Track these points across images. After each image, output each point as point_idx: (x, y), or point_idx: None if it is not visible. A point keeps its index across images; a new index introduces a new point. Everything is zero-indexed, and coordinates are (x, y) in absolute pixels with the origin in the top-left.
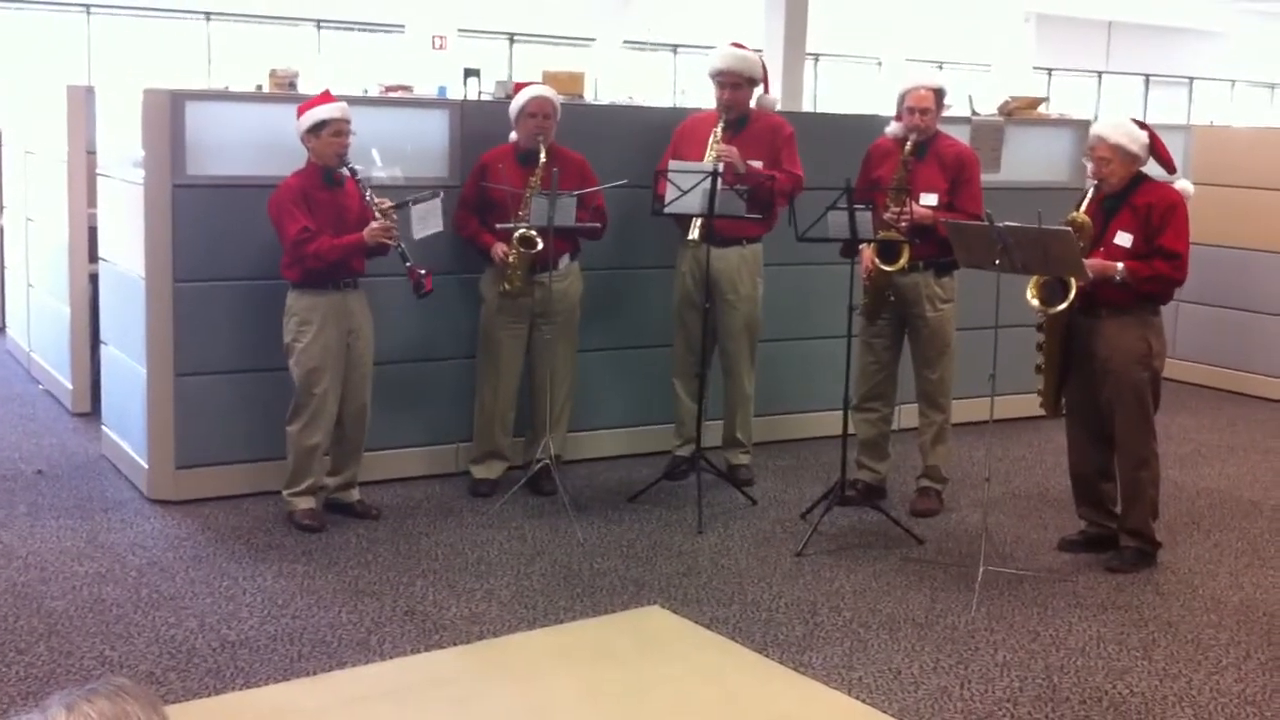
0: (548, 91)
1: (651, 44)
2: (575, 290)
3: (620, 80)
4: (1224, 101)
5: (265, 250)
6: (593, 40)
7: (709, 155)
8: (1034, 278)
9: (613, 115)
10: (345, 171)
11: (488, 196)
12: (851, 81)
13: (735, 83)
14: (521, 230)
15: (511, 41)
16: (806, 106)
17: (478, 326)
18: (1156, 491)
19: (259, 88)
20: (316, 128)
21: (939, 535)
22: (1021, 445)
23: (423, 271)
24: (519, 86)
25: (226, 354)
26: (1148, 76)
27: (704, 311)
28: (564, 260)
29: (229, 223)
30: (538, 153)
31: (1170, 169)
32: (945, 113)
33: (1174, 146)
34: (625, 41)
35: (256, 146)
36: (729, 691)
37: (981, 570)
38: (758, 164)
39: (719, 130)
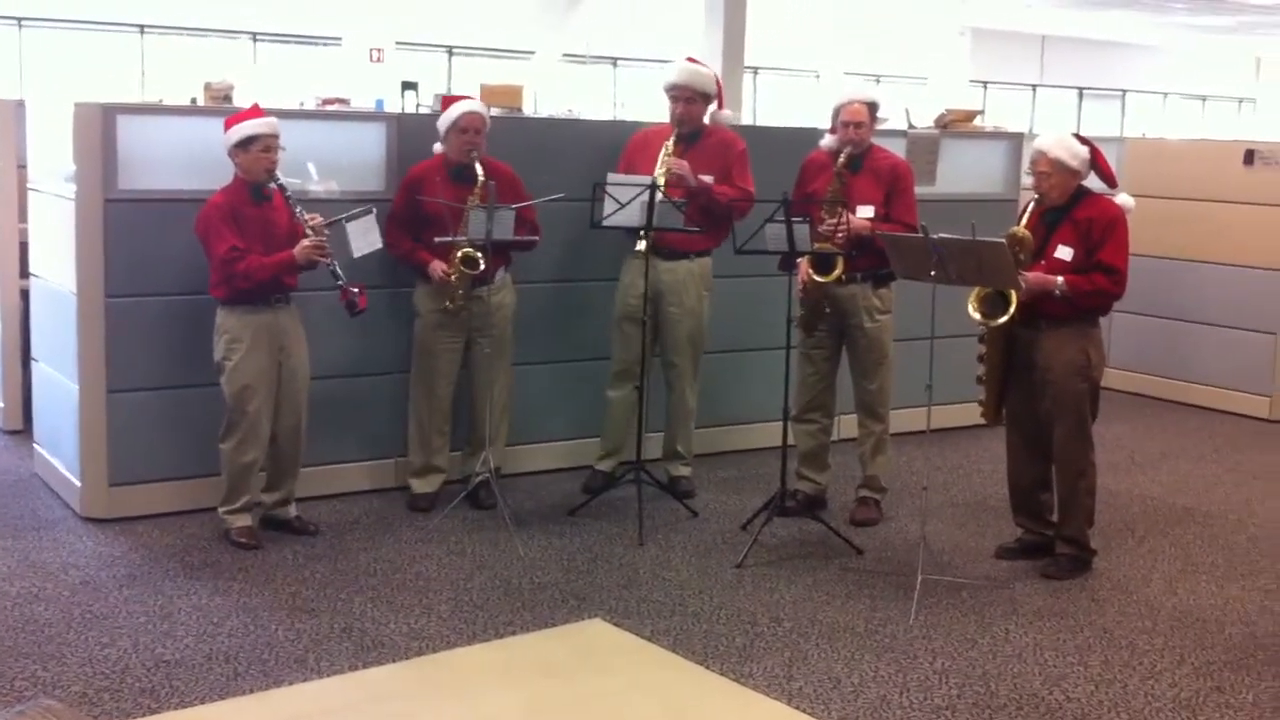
0: (479, 105)
1: (591, 57)
2: (511, 302)
3: (560, 93)
4: (1156, 114)
5: (199, 265)
6: (532, 53)
7: (659, 168)
8: (975, 290)
9: (552, 128)
10: (273, 186)
11: (421, 212)
12: (790, 94)
13: (689, 97)
14: (465, 250)
15: (450, 54)
16: (746, 119)
17: (411, 341)
18: (1093, 500)
19: (194, 101)
20: (245, 143)
21: (878, 545)
22: (959, 454)
23: (355, 290)
24: (448, 100)
25: (160, 370)
26: (1081, 89)
27: (643, 325)
28: (499, 273)
29: (162, 237)
30: (470, 167)
31: (1111, 183)
32: (882, 126)
33: (1107, 158)
34: (565, 54)
35: (191, 160)
36: (670, 704)
37: (920, 579)
38: (708, 178)
39: (670, 144)
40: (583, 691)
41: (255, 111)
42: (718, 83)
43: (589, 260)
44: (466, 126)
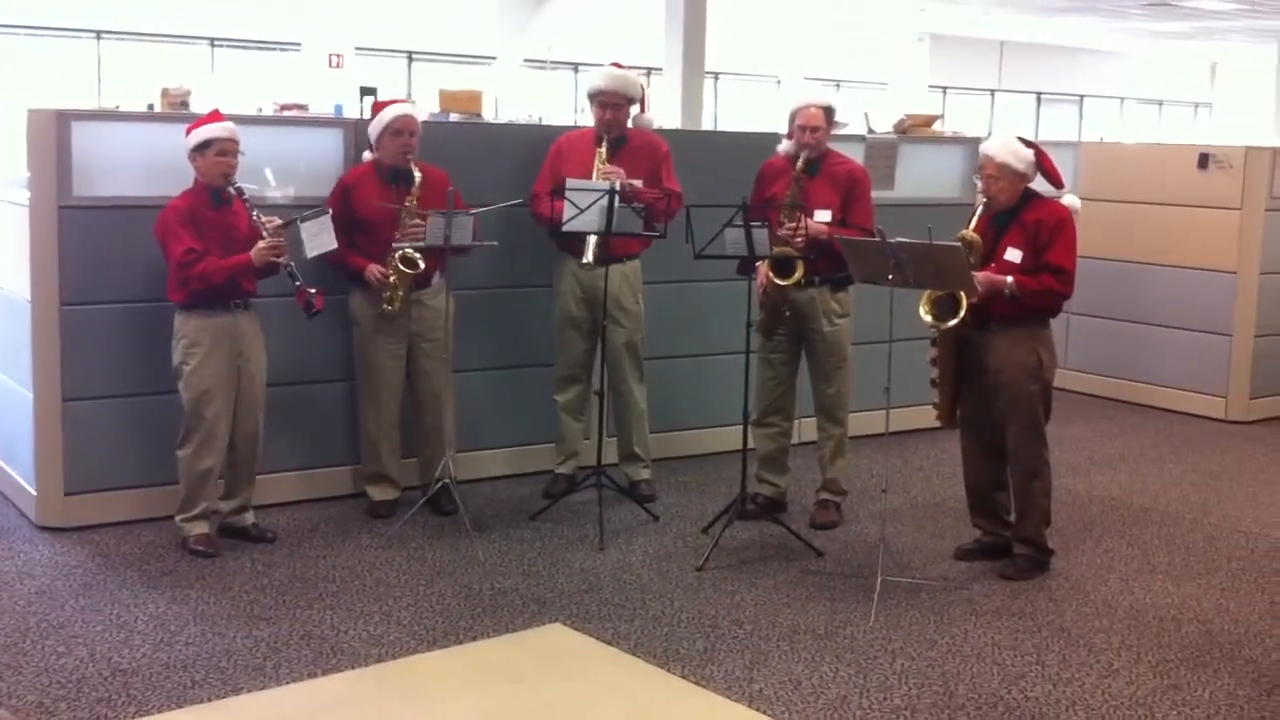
0: (412, 109)
1: (552, 63)
2: (449, 306)
3: (521, 99)
4: (1114, 119)
5: (156, 272)
6: (493, 59)
7: (596, 176)
8: (927, 293)
9: (510, 134)
10: (232, 191)
11: (357, 218)
12: (751, 100)
13: (617, 103)
14: (404, 250)
15: (410, 60)
16: (707, 125)
17: (351, 349)
18: (1048, 500)
19: (151, 107)
20: (202, 147)
21: (838, 547)
22: (918, 456)
23: (313, 291)
24: (379, 105)
25: (116, 378)
26: (1039, 95)
27: (602, 328)
28: (435, 277)
29: (118, 244)
30: (408, 170)
31: (1058, 184)
32: (841, 131)
33: (1063, 163)
34: (526, 60)
35: (147, 167)
36: (631, 707)
37: (879, 580)
38: (638, 183)
39: (603, 150)
40: (544, 696)
41: (214, 116)
42: (642, 86)
43: (526, 266)
44: (401, 129)
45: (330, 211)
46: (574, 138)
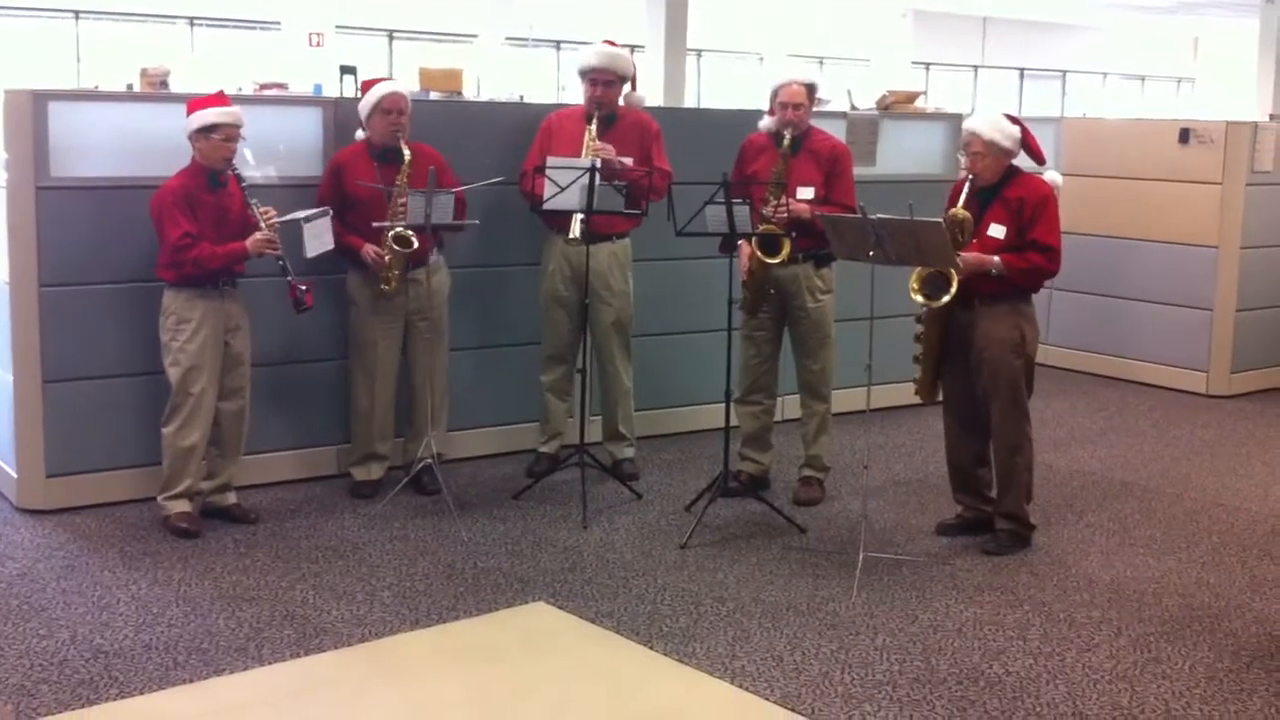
0: (400, 87)
1: (534, 40)
2: (446, 284)
3: (503, 77)
4: (1096, 94)
5: (135, 253)
6: (475, 37)
7: (586, 153)
8: (916, 272)
9: (491, 112)
10: (229, 174)
11: (349, 197)
12: (734, 77)
13: (608, 80)
14: (398, 229)
15: (391, 39)
16: (690, 102)
17: (346, 328)
18: (1030, 476)
19: (130, 87)
20: (207, 130)
21: (821, 524)
22: (900, 433)
23: (303, 287)
24: (368, 85)
25: (96, 359)
26: (1022, 70)
27: (584, 308)
28: (433, 254)
29: (97, 225)
30: (396, 150)
31: (1040, 160)
32: (824, 107)
33: (1045, 138)
34: (508, 38)
35: (125, 147)
36: (614, 685)
37: (861, 556)
38: (628, 160)
39: (593, 128)
40: (527, 675)
41: (221, 99)
42: (633, 64)
43: (514, 244)
44: (390, 107)
45: (330, 212)
46: (564, 116)
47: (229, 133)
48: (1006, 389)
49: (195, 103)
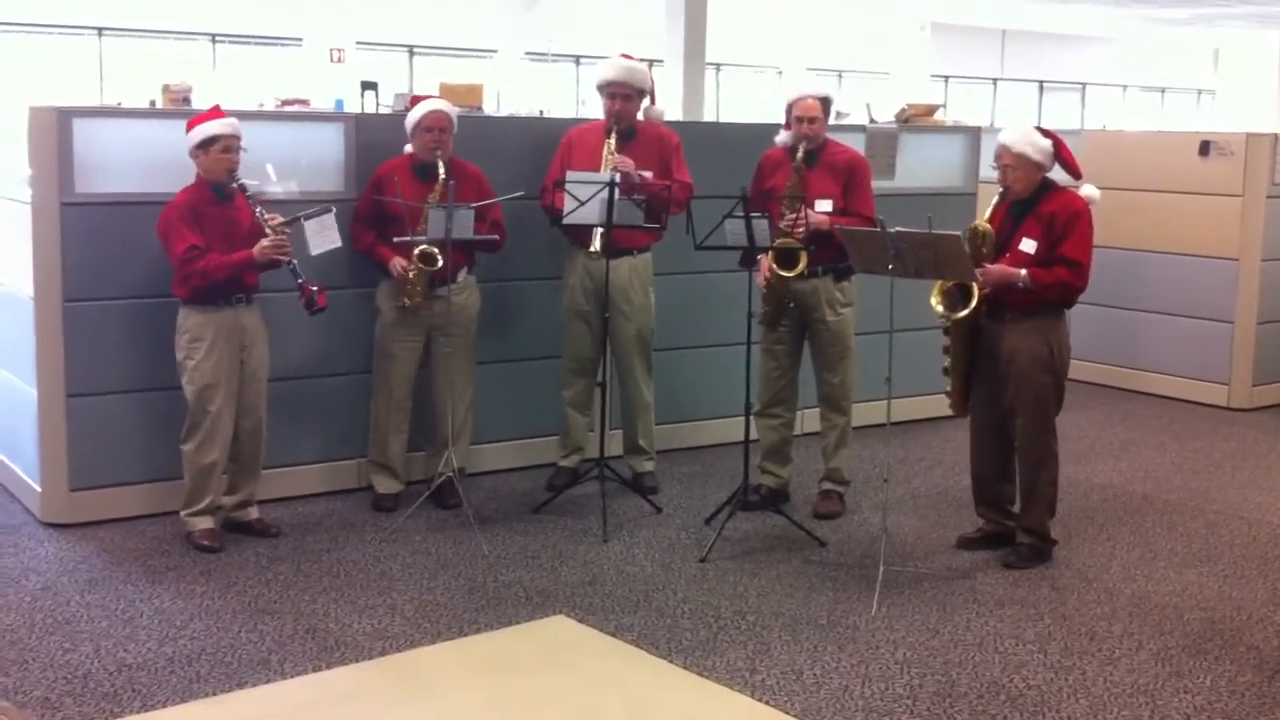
0: (444, 105)
1: (553, 55)
2: (473, 303)
3: (523, 92)
4: (1116, 106)
5: (158, 268)
6: (494, 52)
7: (605, 166)
8: (938, 284)
9: (511, 126)
10: (235, 187)
11: (384, 210)
12: (752, 90)
13: (626, 94)
14: (423, 247)
15: (411, 54)
16: (708, 116)
17: (372, 340)
18: (1055, 491)
19: (152, 103)
20: (205, 143)
21: (841, 537)
22: (920, 446)
23: (315, 289)
24: (415, 100)
25: (120, 374)
26: (1041, 83)
27: (604, 321)
28: (462, 273)
29: (120, 241)
30: (435, 166)
31: (1076, 175)
32: (843, 120)
33: None
34: (527, 53)
35: (148, 163)
36: (634, 698)
37: (882, 570)
38: (648, 174)
39: (612, 141)
40: (547, 688)
41: (216, 113)
42: (651, 78)
43: (539, 259)
44: (431, 125)
45: (333, 210)
46: (584, 130)
47: (228, 144)
48: (1033, 403)
49: (193, 120)
